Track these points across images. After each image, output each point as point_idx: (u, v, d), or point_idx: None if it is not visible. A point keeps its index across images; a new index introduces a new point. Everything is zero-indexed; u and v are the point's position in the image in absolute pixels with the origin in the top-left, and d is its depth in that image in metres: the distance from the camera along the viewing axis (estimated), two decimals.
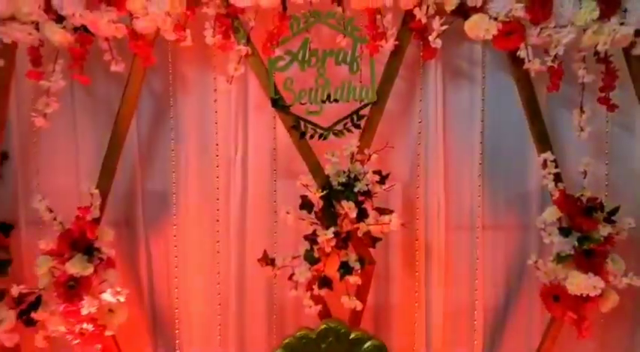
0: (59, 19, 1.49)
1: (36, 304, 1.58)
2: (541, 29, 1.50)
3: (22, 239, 1.77)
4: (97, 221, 1.61)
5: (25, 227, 1.77)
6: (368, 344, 1.39)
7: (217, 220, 1.78)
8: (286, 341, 1.42)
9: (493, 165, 1.80)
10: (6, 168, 1.73)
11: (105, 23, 1.47)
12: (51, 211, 1.59)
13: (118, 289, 1.61)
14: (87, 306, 1.56)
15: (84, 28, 1.51)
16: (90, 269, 1.57)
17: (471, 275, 1.83)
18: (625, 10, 1.51)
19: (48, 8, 1.47)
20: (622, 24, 1.51)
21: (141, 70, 1.59)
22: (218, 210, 1.77)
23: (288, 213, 1.60)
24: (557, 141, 1.70)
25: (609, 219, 1.56)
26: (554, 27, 1.51)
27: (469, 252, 1.82)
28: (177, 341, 1.82)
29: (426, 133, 1.76)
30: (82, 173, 1.76)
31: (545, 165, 1.62)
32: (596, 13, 1.48)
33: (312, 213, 1.59)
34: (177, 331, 1.81)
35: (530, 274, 1.77)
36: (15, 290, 1.57)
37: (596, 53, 1.56)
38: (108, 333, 1.64)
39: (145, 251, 1.80)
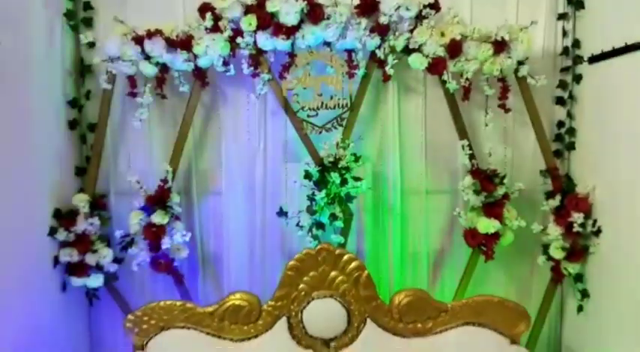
0: (148, 58, 2.31)
1: (130, 242, 2.38)
2: (455, 62, 2.33)
3: (112, 204, 2.53)
4: (169, 189, 2.40)
5: (114, 196, 2.53)
6: (346, 256, 2.18)
7: (250, 187, 2.55)
8: (296, 256, 2.19)
9: (432, 150, 2.57)
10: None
11: (179, 61, 2.28)
12: (139, 183, 2.39)
13: (184, 233, 2.40)
14: (164, 242, 2.36)
15: (164, 64, 2.33)
16: (166, 220, 2.33)
17: (420, 227, 2.60)
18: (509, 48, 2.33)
19: (142, 51, 2.28)
20: (509, 57, 2.34)
21: (199, 90, 2.40)
22: (249, 182, 2.55)
23: (295, 182, 2.42)
24: (472, 133, 2.49)
25: (502, 182, 2.37)
26: (465, 60, 2.33)
27: (418, 210, 2.59)
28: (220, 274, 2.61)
29: (387, 129, 2.54)
30: (154, 159, 2.51)
31: (463, 148, 2.45)
32: (491, 52, 2.29)
33: (311, 181, 2.38)
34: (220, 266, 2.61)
35: (457, 224, 2.55)
36: (117, 234, 2.37)
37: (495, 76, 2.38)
38: (175, 263, 2.44)
39: (197, 210, 2.57)
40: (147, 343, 2.15)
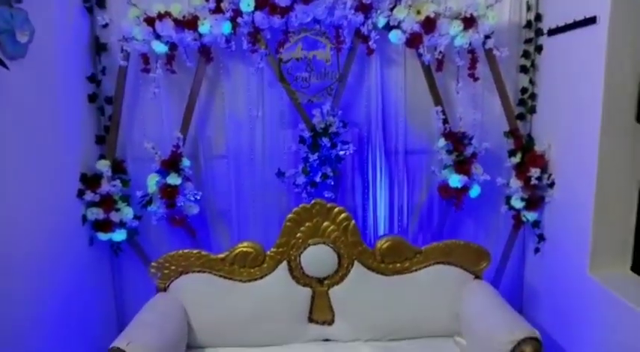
0: (159, 37, 2.58)
1: (149, 201, 2.71)
2: (430, 37, 2.63)
3: (130, 169, 2.85)
4: (181, 154, 2.71)
5: (131, 161, 2.84)
6: (336, 209, 2.54)
7: (251, 151, 2.85)
8: (294, 209, 2.53)
9: (412, 115, 2.86)
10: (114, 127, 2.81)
11: (186, 40, 2.56)
12: (154, 149, 2.71)
13: (195, 192, 2.74)
14: (179, 201, 2.70)
15: (173, 43, 2.60)
16: (179, 181, 2.65)
17: (400, 182, 2.94)
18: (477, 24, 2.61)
19: (154, 31, 2.55)
20: (477, 32, 2.64)
21: (204, 65, 2.68)
22: (250, 146, 2.85)
23: (291, 147, 2.76)
24: (446, 99, 2.79)
25: (470, 143, 2.72)
26: (438, 35, 2.63)
27: (399, 168, 2.92)
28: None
29: (371, 97, 2.83)
30: (165, 127, 2.80)
31: (438, 113, 2.78)
32: (461, 27, 2.58)
33: (305, 145, 2.71)
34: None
35: (433, 180, 2.92)
36: (138, 194, 2.71)
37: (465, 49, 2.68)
38: (188, 219, 2.79)
39: (204, 172, 2.89)
40: (168, 285, 2.51)
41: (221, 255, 2.52)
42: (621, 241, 2.35)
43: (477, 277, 2.58)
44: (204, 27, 2.54)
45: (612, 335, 2.19)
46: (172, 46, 2.60)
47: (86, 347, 2.57)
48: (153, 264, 2.51)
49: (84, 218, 2.62)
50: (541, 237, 2.80)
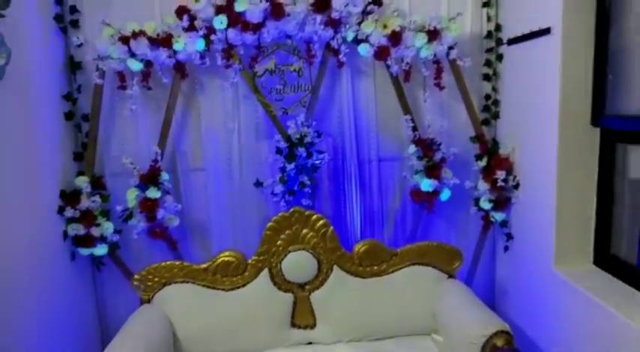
0: (134, 55, 2.63)
1: (130, 215, 2.75)
2: (397, 50, 2.75)
3: (109, 184, 2.87)
4: (159, 168, 2.75)
5: (109, 176, 2.87)
6: (314, 217, 2.63)
7: (228, 163, 2.92)
8: (273, 218, 2.60)
9: (382, 123, 2.96)
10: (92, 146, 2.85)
11: (161, 57, 2.63)
12: (132, 164, 2.75)
13: (176, 204, 2.79)
14: (159, 215, 2.74)
15: (148, 60, 2.66)
16: (159, 195, 2.69)
17: (374, 188, 3.04)
18: (440, 36, 2.75)
19: (129, 50, 2.61)
20: (441, 44, 2.78)
21: (179, 81, 2.75)
22: (227, 158, 2.92)
23: (267, 158, 2.84)
24: (414, 108, 2.91)
25: (439, 149, 2.85)
26: (404, 47, 2.76)
27: (372, 176, 3.02)
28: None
29: (343, 108, 2.92)
30: (142, 142, 2.84)
31: (407, 122, 2.90)
32: (425, 40, 2.71)
33: (282, 155, 2.79)
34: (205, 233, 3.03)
35: (405, 185, 3.04)
36: (118, 208, 2.74)
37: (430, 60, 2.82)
38: (169, 231, 2.85)
39: (183, 185, 2.94)
40: (152, 297, 2.56)
41: (203, 265, 2.58)
42: (583, 237, 2.48)
43: (451, 276, 2.70)
44: (178, 44, 2.60)
45: (576, 326, 2.33)
46: (148, 64, 2.66)
47: None
48: (136, 276, 2.55)
49: (65, 234, 2.65)
50: (509, 236, 2.95)
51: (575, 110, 2.37)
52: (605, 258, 2.42)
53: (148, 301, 2.56)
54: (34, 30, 2.48)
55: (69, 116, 2.76)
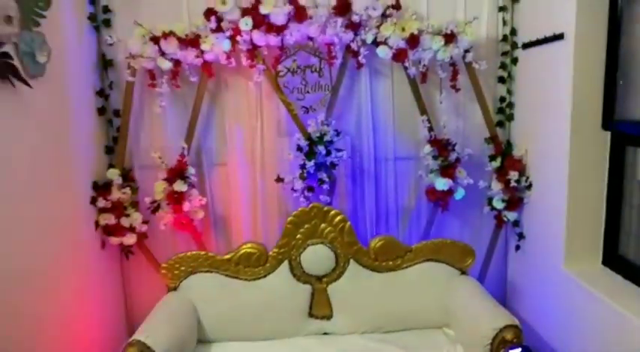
0: (164, 54, 2.77)
1: (157, 207, 2.90)
2: (414, 52, 2.85)
3: (137, 176, 3.01)
4: (186, 162, 2.90)
5: (138, 169, 3.01)
6: (332, 212, 2.75)
7: (251, 159, 3.03)
8: (293, 213, 2.73)
9: (399, 124, 3.06)
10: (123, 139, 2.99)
11: (190, 57, 2.76)
12: (160, 158, 2.89)
13: (201, 198, 2.92)
14: (185, 206, 2.88)
15: (177, 59, 2.79)
16: (185, 188, 2.84)
17: (390, 187, 3.14)
18: (457, 39, 2.84)
19: (159, 49, 2.75)
20: (457, 47, 2.86)
21: (206, 80, 2.88)
22: (250, 154, 3.04)
23: (289, 154, 2.95)
24: (430, 109, 3.00)
25: (454, 149, 2.94)
26: (422, 50, 2.85)
27: (389, 174, 3.11)
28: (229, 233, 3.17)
29: (362, 107, 3.01)
30: (170, 138, 2.98)
31: (423, 122, 3.00)
32: (442, 43, 2.80)
33: (302, 153, 2.89)
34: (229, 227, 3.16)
35: (420, 183, 3.13)
36: (147, 199, 2.88)
37: (447, 62, 2.90)
38: (194, 222, 2.97)
39: (207, 180, 3.07)
40: (179, 285, 2.70)
41: (227, 256, 2.71)
42: (592, 237, 2.56)
43: (463, 273, 2.80)
44: (206, 45, 2.73)
45: (584, 324, 2.41)
46: (176, 63, 2.78)
47: (96, 346, 2.73)
48: (164, 265, 2.69)
49: (96, 223, 2.79)
50: (521, 236, 3.03)
51: (586, 113, 2.45)
52: (614, 259, 2.50)
53: (175, 288, 2.70)
54: (70, 29, 2.61)
55: (101, 111, 2.90)
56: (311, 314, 2.75)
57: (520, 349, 2.29)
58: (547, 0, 2.66)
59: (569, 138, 2.47)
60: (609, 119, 2.42)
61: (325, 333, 2.75)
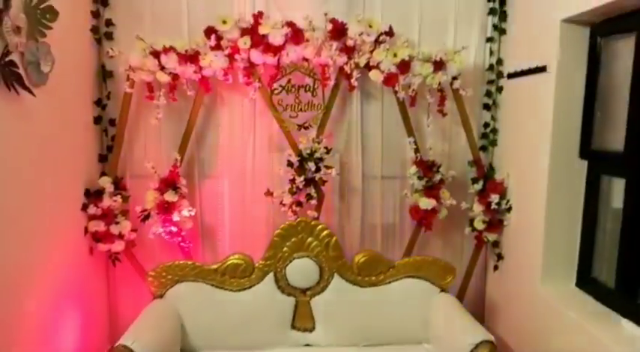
0: (163, 68, 2.86)
1: (147, 215, 2.95)
2: (405, 77, 2.97)
3: (129, 185, 3.07)
4: (178, 173, 2.97)
5: (130, 178, 3.08)
6: (319, 226, 2.83)
7: (241, 173, 3.12)
8: (281, 226, 2.81)
9: (387, 144, 3.17)
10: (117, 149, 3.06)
11: (188, 72, 2.85)
12: (153, 168, 2.96)
13: (190, 209, 2.99)
14: (174, 216, 2.95)
15: (176, 74, 2.87)
16: (175, 198, 2.91)
17: (376, 205, 3.24)
18: (445, 67, 2.98)
19: (159, 63, 2.83)
20: (445, 74, 3.00)
21: (202, 94, 2.97)
22: (241, 168, 3.12)
23: (280, 170, 3.04)
24: (418, 131, 3.12)
25: (438, 171, 3.05)
26: (412, 75, 2.98)
27: (375, 191, 3.22)
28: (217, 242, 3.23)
29: (352, 127, 3.13)
30: (163, 149, 3.07)
31: (410, 144, 3.11)
32: (432, 69, 2.94)
33: (292, 168, 2.98)
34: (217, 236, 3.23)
35: (405, 202, 3.23)
36: (137, 208, 2.94)
37: (435, 88, 3.03)
38: (183, 233, 3.04)
39: (198, 191, 3.15)
40: (164, 293, 2.75)
41: (214, 266, 2.77)
42: (567, 260, 2.68)
43: (443, 290, 2.88)
44: (204, 61, 2.82)
45: (557, 342, 2.51)
46: (175, 77, 2.87)
47: (78, 350, 2.75)
48: (151, 273, 2.74)
49: (86, 229, 2.84)
50: (500, 256, 3.14)
51: (565, 142, 2.59)
52: (587, 281, 2.61)
53: (161, 296, 2.74)
54: (73, 40, 2.70)
55: (97, 120, 2.97)
56: (294, 326, 2.81)
57: None
58: (532, 33, 2.81)
59: (549, 164, 2.60)
60: (587, 148, 2.55)
61: (307, 345, 2.81)
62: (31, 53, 2.21)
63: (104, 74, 2.98)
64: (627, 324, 2.21)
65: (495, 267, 3.19)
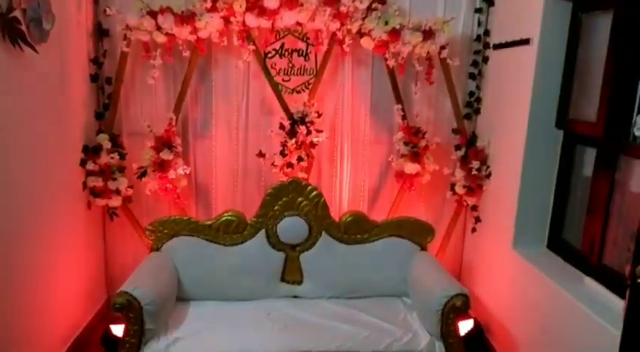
0: (159, 28, 2.91)
1: (144, 173, 3.06)
2: (395, 45, 3.06)
3: (125, 143, 3.18)
4: (173, 132, 3.07)
5: (126, 136, 3.18)
6: (309, 187, 2.97)
7: (235, 134, 3.24)
8: (273, 185, 2.94)
9: (376, 110, 3.31)
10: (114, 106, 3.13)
11: (184, 33, 2.91)
12: (149, 127, 3.05)
13: (184, 167, 3.10)
14: (170, 174, 3.06)
15: (172, 34, 2.93)
16: (171, 156, 3.01)
17: (363, 168, 3.40)
18: (434, 36, 3.08)
19: (156, 24, 2.88)
20: (434, 43, 3.09)
21: (197, 56, 3.04)
22: (234, 129, 3.24)
23: (272, 131, 3.16)
24: (405, 99, 3.24)
25: (424, 137, 3.20)
26: (402, 44, 3.07)
27: (363, 155, 3.37)
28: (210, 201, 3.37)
29: (342, 92, 3.25)
30: (159, 108, 3.16)
31: (398, 110, 3.24)
32: (421, 38, 3.03)
33: (284, 131, 3.11)
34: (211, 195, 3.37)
35: (391, 166, 3.38)
36: (134, 166, 3.05)
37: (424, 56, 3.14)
38: (178, 190, 3.16)
39: (192, 150, 3.26)
40: (161, 246, 2.89)
41: (208, 222, 2.91)
42: (540, 224, 2.86)
43: (423, 249, 3.07)
44: (200, 23, 2.88)
45: (526, 299, 2.72)
46: (171, 37, 2.92)
47: (76, 298, 2.91)
48: (148, 226, 2.87)
49: (84, 184, 2.95)
50: (477, 219, 3.33)
51: (543, 112, 2.72)
52: (557, 243, 2.81)
53: (157, 249, 2.88)
54: None
55: (94, 78, 3.03)
56: (283, 279, 2.98)
57: (472, 321, 2.61)
58: (518, 7, 2.91)
59: (526, 133, 2.74)
60: (563, 119, 2.70)
61: (295, 296, 2.98)
62: (33, 10, 2.26)
63: (101, 32, 3.02)
64: (589, 281, 2.41)
65: (473, 229, 3.38)
